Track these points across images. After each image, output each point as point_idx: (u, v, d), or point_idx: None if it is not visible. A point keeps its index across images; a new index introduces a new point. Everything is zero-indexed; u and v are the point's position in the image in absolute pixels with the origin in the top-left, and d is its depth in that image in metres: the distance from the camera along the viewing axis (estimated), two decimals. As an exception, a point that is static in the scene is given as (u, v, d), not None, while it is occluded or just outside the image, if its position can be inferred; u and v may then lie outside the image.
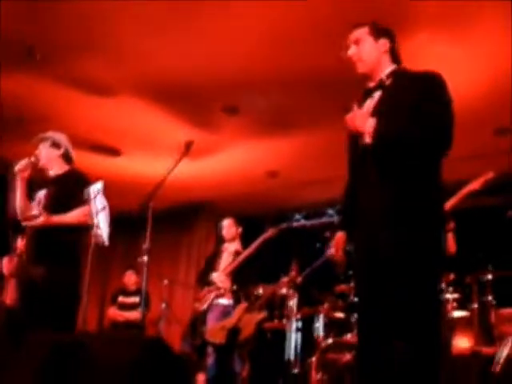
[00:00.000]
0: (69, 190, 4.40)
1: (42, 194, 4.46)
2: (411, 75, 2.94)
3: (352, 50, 3.03)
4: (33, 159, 4.47)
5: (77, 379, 2.22)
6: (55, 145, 4.61)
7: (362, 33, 3.03)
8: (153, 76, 5.97)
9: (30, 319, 4.12)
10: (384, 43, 3.00)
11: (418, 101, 2.75)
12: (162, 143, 7.39)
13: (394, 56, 3.03)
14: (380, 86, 2.97)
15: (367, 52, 3.00)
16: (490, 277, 5.57)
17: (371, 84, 3.01)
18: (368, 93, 3.01)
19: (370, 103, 2.96)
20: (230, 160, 8.05)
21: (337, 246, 3.11)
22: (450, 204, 4.48)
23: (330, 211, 9.47)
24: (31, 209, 4.43)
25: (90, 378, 2.20)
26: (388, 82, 2.94)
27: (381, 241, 2.73)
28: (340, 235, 3.11)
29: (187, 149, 4.43)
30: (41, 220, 4.26)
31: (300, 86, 5.98)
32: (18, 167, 4.40)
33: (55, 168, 4.60)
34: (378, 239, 2.75)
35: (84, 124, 7.02)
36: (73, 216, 4.31)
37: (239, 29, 5.12)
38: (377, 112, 2.87)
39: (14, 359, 2.48)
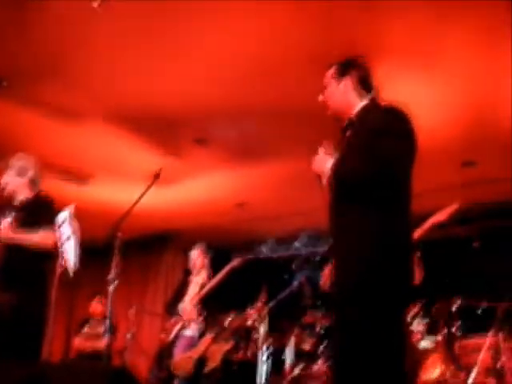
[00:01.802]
0: (34, 215, 4.37)
1: (7, 219, 4.42)
2: (374, 111, 2.93)
3: (320, 97, 3.08)
4: None
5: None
6: (20, 173, 4.58)
7: (328, 77, 3.06)
8: (123, 103, 5.95)
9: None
10: (346, 83, 3.00)
11: (369, 136, 2.73)
12: (131, 171, 7.36)
13: (364, 88, 3.01)
14: (348, 124, 2.97)
15: (331, 98, 3.03)
16: (455, 306, 5.61)
17: (346, 123, 3.01)
18: (343, 132, 3.02)
19: (342, 144, 2.98)
20: (199, 189, 8.05)
21: (325, 277, 3.12)
22: (415, 235, 4.52)
23: (297, 243, 9.52)
24: None
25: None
26: (355, 120, 2.94)
27: (341, 279, 2.73)
28: (330, 266, 3.07)
29: (156, 177, 4.43)
30: (3, 233, 4.21)
31: (270, 116, 6.02)
32: None
33: (21, 194, 4.57)
34: (343, 272, 2.74)
35: (52, 151, 6.96)
36: (35, 237, 4.27)
37: (212, 58, 5.14)
38: (341, 151, 2.90)
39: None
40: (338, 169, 2.79)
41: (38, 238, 4.28)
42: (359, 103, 2.99)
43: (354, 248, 2.68)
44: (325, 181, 2.85)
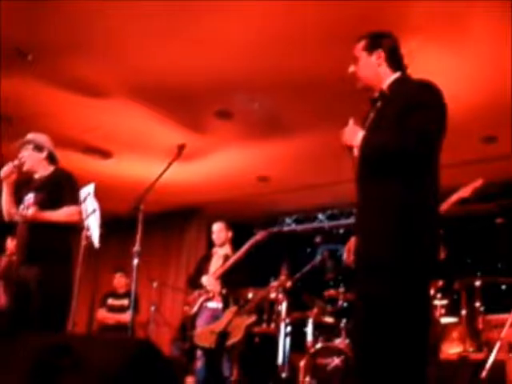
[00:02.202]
0: (56, 190, 4.40)
1: (29, 197, 4.45)
2: (407, 84, 2.94)
3: (350, 69, 3.05)
4: (16, 163, 4.46)
5: (66, 382, 2.22)
6: (38, 148, 4.60)
7: (358, 49, 3.03)
8: (146, 78, 5.96)
9: (22, 320, 4.12)
10: (378, 56, 2.98)
11: (405, 109, 2.74)
12: (154, 146, 7.39)
13: (394, 61, 3.00)
14: (380, 96, 2.97)
15: (362, 69, 3.00)
16: (478, 283, 5.60)
17: (375, 94, 3.01)
18: (373, 102, 3.02)
19: (371, 114, 2.98)
20: (222, 164, 8.05)
21: (348, 250, 3.09)
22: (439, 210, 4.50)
23: (321, 216, 9.51)
24: (18, 212, 4.42)
25: (78, 381, 2.20)
26: (387, 92, 2.94)
27: (370, 248, 2.75)
28: (353, 240, 3.07)
29: (179, 152, 4.43)
30: (30, 213, 4.25)
31: (294, 90, 6.00)
32: (2, 173, 4.40)
33: (41, 170, 4.59)
34: (369, 246, 2.76)
35: (75, 125, 7.00)
36: (61, 214, 4.31)
37: (235, 33, 5.13)
38: (371, 123, 2.90)
39: (1, 362, 2.47)
40: (370, 140, 2.80)
41: (63, 214, 4.32)
42: (390, 76, 2.98)
43: (385, 220, 2.70)
44: (356, 152, 2.83)
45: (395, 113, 2.78)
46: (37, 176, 4.60)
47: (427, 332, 2.74)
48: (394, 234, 2.67)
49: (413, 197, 2.71)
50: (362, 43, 3.03)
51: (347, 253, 3.11)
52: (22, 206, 4.42)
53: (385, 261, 2.66)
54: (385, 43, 3.01)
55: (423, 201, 2.74)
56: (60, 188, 4.42)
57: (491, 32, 4.90)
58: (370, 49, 3.00)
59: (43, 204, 4.34)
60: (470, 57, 5.32)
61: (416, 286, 2.68)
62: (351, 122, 2.91)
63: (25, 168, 4.53)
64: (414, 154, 2.68)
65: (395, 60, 3.01)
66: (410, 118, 2.69)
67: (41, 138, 4.67)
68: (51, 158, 4.64)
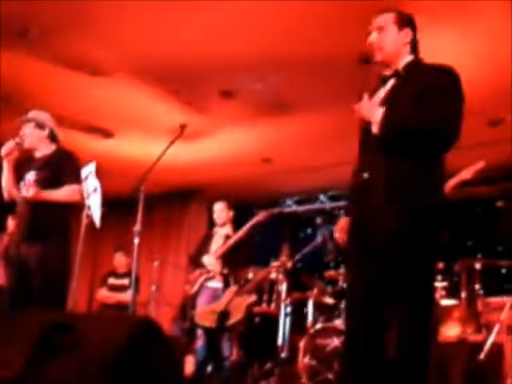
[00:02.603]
0: (57, 169, 4.40)
1: (30, 175, 4.44)
2: (426, 67, 2.95)
3: (374, 37, 2.99)
4: (18, 140, 4.44)
5: (66, 359, 2.23)
6: (40, 126, 4.58)
7: (387, 20, 2.98)
8: (149, 57, 5.92)
9: (22, 299, 4.14)
10: (407, 34, 2.98)
11: (427, 91, 2.77)
12: (156, 125, 7.37)
13: (414, 46, 3.02)
14: (395, 75, 2.97)
15: (389, 41, 2.96)
16: (478, 266, 5.60)
17: (387, 72, 3.01)
18: (383, 81, 3.02)
19: (382, 91, 2.98)
20: (224, 144, 8.03)
21: (341, 229, 3.08)
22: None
23: (322, 197, 9.52)
24: (19, 190, 4.42)
25: (79, 359, 2.21)
26: (403, 73, 2.94)
27: (382, 215, 2.76)
28: (344, 220, 3.09)
29: (181, 132, 4.42)
30: (30, 193, 4.25)
31: (298, 70, 5.96)
32: (3, 150, 4.38)
33: (42, 149, 4.58)
34: (378, 215, 2.78)
35: (76, 104, 6.98)
36: (62, 193, 4.31)
37: (238, 11, 5.09)
38: (386, 100, 2.88)
39: (2, 340, 2.49)
40: (393, 117, 2.78)
41: (64, 193, 4.32)
42: (407, 57, 2.99)
43: (397, 197, 2.74)
44: (374, 129, 2.81)
45: (413, 94, 2.80)
46: (38, 154, 4.59)
47: (432, 312, 2.82)
48: (404, 211, 2.71)
49: (426, 176, 2.77)
50: (392, 16, 3.00)
51: (340, 232, 3.09)
52: (22, 184, 4.41)
53: (393, 239, 2.70)
54: (413, 24, 3.02)
55: (434, 181, 2.82)
56: (61, 167, 4.42)
57: (499, 13, 4.85)
58: (401, 25, 2.98)
59: (44, 183, 4.34)
60: (476, 38, 5.28)
61: (423, 266, 2.74)
62: (366, 96, 2.89)
63: (26, 145, 4.51)
64: (436, 135, 2.74)
65: (415, 45, 3.02)
66: (436, 100, 2.73)
67: (42, 115, 4.66)
68: (53, 137, 4.63)
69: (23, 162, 4.56)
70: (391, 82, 2.97)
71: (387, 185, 2.76)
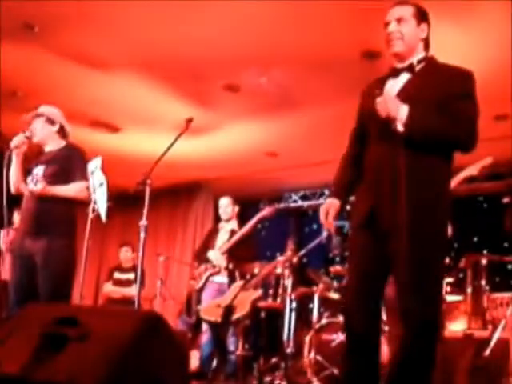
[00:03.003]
0: (66, 165, 4.39)
1: (39, 169, 4.44)
2: (444, 67, 2.95)
3: (393, 27, 2.94)
4: (28, 134, 4.43)
5: (71, 353, 2.24)
6: (50, 121, 4.57)
7: (408, 13, 2.96)
8: (155, 52, 5.93)
9: (28, 293, 4.14)
10: (424, 29, 2.98)
11: (450, 96, 2.79)
12: (161, 120, 7.37)
13: (427, 43, 3.02)
14: (408, 69, 2.94)
15: (409, 34, 2.94)
16: (484, 262, 5.60)
17: (400, 65, 2.98)
18: (395, 74, 2.99)
19: (394, 84, 2.94)
20: (230, 139, 8.03)
21: (326, 212, 3.03)
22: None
23: (328, 192, 9.50)
24: (26, 184, 4.42)
25: (85, 352, 2.21)
26: (418, 68, 2.93)
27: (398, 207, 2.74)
28: (331, 202, 3.06)
29: (187, 126, 4.41)
30: (39, 188, 4.24)
31: (303, 64, 5.95)
32: (13, 143, 4.37)
33: (51, 144, 4.57)
34: (394, 206, 2.76)
35: (82, 99, 6.99)
36: (70, 189, 4.31)
37: (243, 6, 5.08)
38: (404, 95, 2.85)
39: (9, 332, 2.49)
40: (420, 116, 2.78)
41: (72, 190, 4.31)
42: (421, 52, 2.99)
43: (423, 191, 2.76)
44: (399, 127, 2.78)
45: (439, 94, 2.81)
46: (47, 149, 4.58)
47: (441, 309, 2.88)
48: (420, 203, 2.72)
49: (445, 172, 2.88)
50: (412, 9, 2.97)
51: (324, 214, 3.05)
52: (30, 179, 4.41)
53: (424, 225, 2.72)
54: (429, 20, 3.02)
55: (447, 175, 2.91)
56: (70, 163, 4.40)
57: (503, 8, 4.84)
58: (420, 19, 2.97)
59: (52, 178, 4.33)
60: (481, 33, 5.27)
61: (441, 252, 2.85)
62: (386, 91, 2.87)
63: (35, 139, 4.50)
64: (463, 144, 2.81)
65: (429, 41, 3.03)
66: (460, 106, 2.78)
67: (53, 111, 4.64)
68: (63, 133, 4.62)
69: (32, 157, 4.55)
70: (405, 76, 2.94)
71: (406, 177, 2.72)
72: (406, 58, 2.95)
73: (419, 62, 2.94)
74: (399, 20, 2.94)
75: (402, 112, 2.76)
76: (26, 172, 4.47)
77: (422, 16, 2.98)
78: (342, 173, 3.16)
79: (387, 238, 2.77)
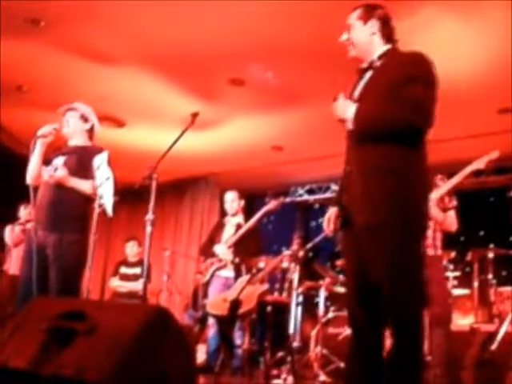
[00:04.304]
0: (86, 161, 4.37)
1: (59, 160, 4.43)
2: (399, 55, 3.00)
3: (344, 37, 3.13)
4: (57, 126, 4.42)
5: (79, 347, 2.24)
6: (83, 118, 4.58)
7: (353, 18, 3.10)
8: (160, 46, 5.93)
9: (38, 286, 4.14)
10: (372, 25, 3.05)
11: (400, 81, 2.80)
12: (167, 114, 7.38)
13: (386, 36, 3.06)
14: (371, 66, 3.02)
15: (357, 37, 3.07)
16: (491, 255, 5.59)
17: (363, 65, 3.07)
18: (361, 74, 3.08)
19: (361, 84, 3.04)
20: (236, 133, 8.03)
21: (328, 220, 3.13)
22: (453, 183, 4.49)
23: (334, 186, 9.49)
24: (44, 174, 4.40)
25: (92, 346, 2.22)
26: (378, 64, 3.00)
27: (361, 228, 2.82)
28: (332, 211, 3.14)
29: (193, 120, 4.40)
30: (59, 174, 4.24)
31: (308, 59, 5.94)
32: (40, 132, 4.35)
33: (77, 140, 4.56)
34: (358, 205, 2.85)
35: (88, 94, 6.97)
36: (88, 185, 4.30)
37: (247, 1, 5.07)
38: (364, 93, 2.96)
39: (17, 327, 2.50)
40: (363, 111, 2.85)
41: (89, 186, 4.31)
42: (382, 47, 3.04)
43: (385, 181, 2.78)
44: (349, 125, 2.89)
45: (388, 83, 2.84)
46: (71, 144, 4.58)
47: (423, 287, 2.84)
48: (395, 193, 2.75)
49: (411, 159, 2.81)
50: (357, 12, 3.11)
51: (327, 222, 3.13)
52: (49, 168, 4.39)
53: (386, 220, 2.73)
54: (379, 14, 3.08)
55: (421, 161, 2.86)
56: (91, 160, 4.39)
57: (505, 3, 4.82)
58: (365, 18, 3.07)
59: (72, 169, 4.33)
60: (485, 27, 5.25)
61: (413, 243, 2.79)
62: (341, 95, 2.97)
63: (64, 131, 4.49)
64: (411, 124, 2.76)
65: (387, 32, 3.07)
66: (406, 90, 2.77)
67: (88, 109, 4.65)
68: (91, 133, 4.63)
69: (52, 150, 4.53)
70: (368, 75, 3.03)
71: (363, 175, 2.84)
72: (367, 58, 3.05)
73: (380, 57, 3.01)
74: (348, 28, 3.11)
75: (350, 111, 2.87)
76: (46, 163, 4.45)
77: (367, 14, 3.08)
78: (342, 179, 3.20)
79: (359, 237, 2.84)
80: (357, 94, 3.01)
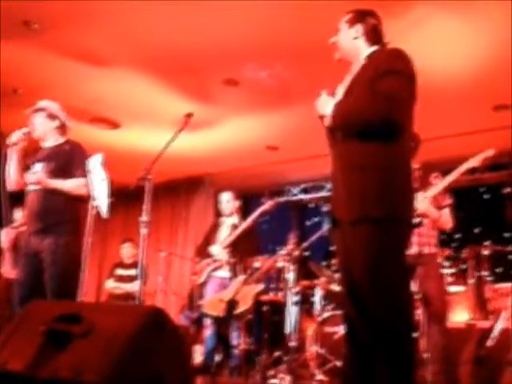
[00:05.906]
0: (65, 162, 4.38)
1: (38, 166, 4.43)
2: (380, 52, 3.05)
3: (332, 40, 3.24)
4: (26, 130, 4.42)
5: (75, 349, 2.24)
6: (51, 116, 4.56)
7: (342, 21, 3.20)
8: (153, 48, 5.91)
9: (34, 290, 4.14)
10: (357, 30, 3.12)
11: (376, 75, 2.84)
12: (161, 116, 7.37)
13: (375, 37, 3.13)
14: (357, 67, 3.08)
15: (342, 40, 3.18)
16: (486, 252, 5.60)
17: (353, 66, 3.14)
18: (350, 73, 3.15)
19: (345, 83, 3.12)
20: (230, 133, 8.02)
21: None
22: (448, 180, 4.49)
23: (329, 185, 9.50)
24: (25, 180, 4.40)
25: (89, 348, 2.22)
26: (363, 63, 3.05)
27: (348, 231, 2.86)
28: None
29: (187, 121, 4.40)
30: (37, 177, 4.24)
31: (302, 59, 5.94)
32: (12, 138, 4.36)
33: (50, 140, 4.55)
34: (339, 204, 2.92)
35: (82, 96, 6.98)
36: (68, 185, 4.30)
37: (240, 1, 5.07)
38: (346, 91, 3.03)
39: (13, 330, 2.50)
40: (339, 108, 2.91)
41: (71, 185, 4.31)
42: (368, 50, 3.10)
43: (368, 177, 2.80)
44: (326, 121, 2.96)
45: (366, 79, 2.89)
46: (45, 145, 4.57)
47: (407, 282, 2.94)
48: (375, 190, 2.77)
49: (390, 154, 2.83)
50: (347, 16, 3.20)
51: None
52: (30, 175, 4.39)
53: (370, 216, 2.75)
54: (366, 19, 3.16)
55: (401, 157, 2.87)
56: (70, 159, 4.39)
57: (504, 1, 4.83)
58: (352, 22, 3.16)
59: (52, 174, 4.33)
60: (480, 24, 5.25)
61: (399, 238, 2.82)
62: (324, 92, 3.05)
63: (35, 134, 4.49)
64: (384, 117, 2.77)
65: (374, 36, 3.14)
66: (380, 84, 2.80)
67: (54, 106, 4.63)
68: (63, 129, 4.61)
69: (30, 153, 4.53)
70: (353, 73, 3.10)
71: (343, 173, 2.91)
72: (354, 59, 3.14)
73: (366, 57, 3.07)
74: (337, 32, 3.23)
75: (329, 107, 2.93)
76: (25, 168, 4.46)
77: (355, 19, 3.17)
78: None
79: (345, 235, 2.88)
80: (340, 91, 3.07)
